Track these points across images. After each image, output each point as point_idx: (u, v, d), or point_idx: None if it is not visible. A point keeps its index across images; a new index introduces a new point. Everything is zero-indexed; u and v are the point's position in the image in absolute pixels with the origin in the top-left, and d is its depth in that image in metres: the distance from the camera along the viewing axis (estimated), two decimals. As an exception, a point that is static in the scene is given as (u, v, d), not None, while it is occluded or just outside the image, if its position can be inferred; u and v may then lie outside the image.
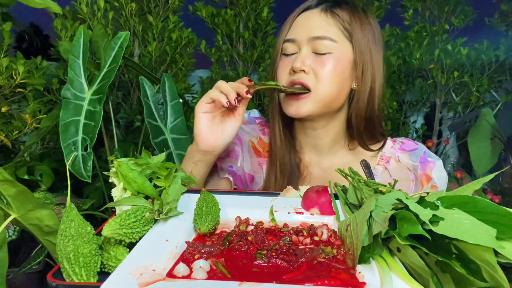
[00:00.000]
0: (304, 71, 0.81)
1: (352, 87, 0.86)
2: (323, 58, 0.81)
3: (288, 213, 0.62)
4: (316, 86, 0.81)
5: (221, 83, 0.77)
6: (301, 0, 0.91)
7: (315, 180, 0.92)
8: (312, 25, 0.83)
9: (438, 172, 0.86)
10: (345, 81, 0.83)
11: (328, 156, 0.93)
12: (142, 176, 0.58)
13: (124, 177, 0.58)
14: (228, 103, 0.74)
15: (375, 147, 0.90)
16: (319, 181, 0.90)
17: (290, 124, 0.92)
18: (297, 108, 0.83)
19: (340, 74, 0.82)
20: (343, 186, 0.67)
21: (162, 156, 0.65)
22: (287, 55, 0.85)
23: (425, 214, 0.40)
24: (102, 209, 1.28)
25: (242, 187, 0.95)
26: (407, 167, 0.89)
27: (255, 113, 1.05)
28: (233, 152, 0.94)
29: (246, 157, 0.95)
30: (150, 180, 0.61)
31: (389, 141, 0.92)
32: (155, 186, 0.60)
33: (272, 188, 0.91)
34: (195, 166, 0.81)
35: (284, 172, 0.90)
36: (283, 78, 0.84)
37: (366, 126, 0.87)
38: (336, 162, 0.92)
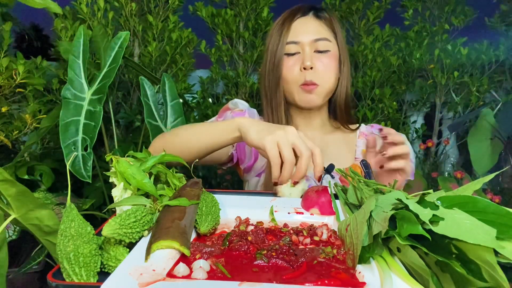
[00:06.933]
0: (312, 68, 0.97)
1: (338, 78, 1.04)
2: (323, 56, 0.99)
3: (288, 213, 0.62)
4: (322, 81, 0.98)
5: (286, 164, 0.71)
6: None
7: None
8: (312, 29, 0.99)
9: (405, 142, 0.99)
10: (337, 73, 1.02)
11: (320, 134, 1.09)
12: (141, 172, 0.58)
13: (123, 173, 0.57)
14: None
15: (353, 126, 1.11)
16: None
17: (287, 110, 1.07)
18: (310, 100, 1.00)
19: (335, 68, 1.01)
20: (343, 186, 0.67)
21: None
22: (290, 55, 1.00)
23: (425, 214, 0.40)
24: (104, 211, 1.28)
25: (243, 158, 1.06)
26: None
27: (253, 110, 1.11)
28: None
29: None
30: (150, 175, 0.60)
31: (362, 124, 1.14)
32: (155, 182, 0.60)
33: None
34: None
35: None
36: (293, 75, 0.99)
37: (345, 107, 1.06)
38: (328, 139, 1.08)
